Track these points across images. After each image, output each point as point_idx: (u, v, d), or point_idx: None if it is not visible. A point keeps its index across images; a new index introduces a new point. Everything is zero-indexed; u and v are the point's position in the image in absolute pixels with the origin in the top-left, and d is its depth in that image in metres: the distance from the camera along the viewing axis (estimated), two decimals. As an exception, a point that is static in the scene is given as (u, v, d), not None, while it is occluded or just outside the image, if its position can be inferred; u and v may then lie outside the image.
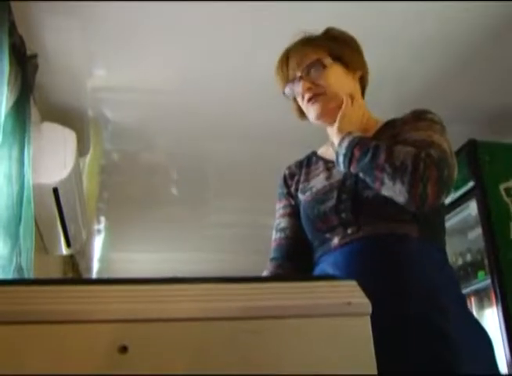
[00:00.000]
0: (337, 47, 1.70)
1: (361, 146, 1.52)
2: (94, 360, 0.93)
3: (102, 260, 6.67)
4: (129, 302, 0.98)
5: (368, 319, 1.01)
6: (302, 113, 1.77)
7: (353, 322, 1.00)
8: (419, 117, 1.64)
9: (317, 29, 1.75)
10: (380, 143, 1.52)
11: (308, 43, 1.71)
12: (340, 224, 1.57)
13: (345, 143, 1.55)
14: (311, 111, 1.67)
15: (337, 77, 1.68)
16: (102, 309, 0.96)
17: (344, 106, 1.63)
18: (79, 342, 0.93)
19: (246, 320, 0.98)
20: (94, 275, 6.89)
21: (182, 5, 2.72)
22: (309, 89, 1.65)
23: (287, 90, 1.72)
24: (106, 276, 6.91)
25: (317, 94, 1.65)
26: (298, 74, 1.67)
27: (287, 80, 1.71)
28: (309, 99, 1.66)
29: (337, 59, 1.68)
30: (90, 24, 2.86)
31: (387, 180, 1.44)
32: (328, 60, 1.67)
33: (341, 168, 1.57)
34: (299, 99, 1.71)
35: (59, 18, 2.73)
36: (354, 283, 1.08)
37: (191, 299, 0.99)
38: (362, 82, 1.76)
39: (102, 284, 1.07)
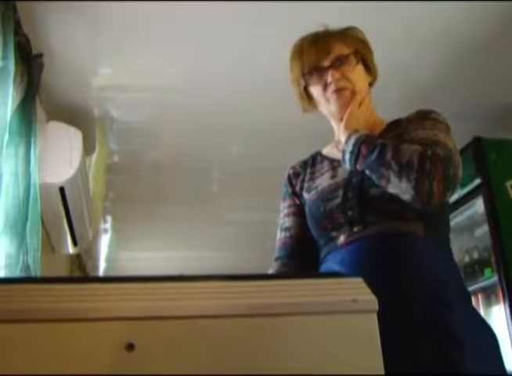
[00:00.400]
0: (361, 47, 1.72)
1: (368, 143, 1.53)
2: (101, 358, 0.93)
3: (108, 259, 6.68)
4: (135, 300, 0.98)
5: (374, 317, 1.01)
6: (309, 103, 1.76)
7: (359, 319, 1.00)
8: (424, 116, 1.64)
9: (319, 28, 1.75)
10: (387, 141, 1.52)
11: (337, 36, 1.70)
12: (347, 222, 1.57)
13: (352, 141, 1.56)
14: (335, 101, 1.65)
15: (362, 76, 1.70)
16: (109, 307, 0.96)
17: (352, 105, 1.63)
18: (86, 340, 0.93)
19: (252, 318, 0.98)
20: (101, 274, 6.90)
21: (188, 4, 2.72)
22: (339, 80, 1.64)
23: (305, 77, 1.69)
24: (112, 274, 6.92)
25: (344, 87, 1.65)
26: (326, 63, 1.65)
27: (309, 66, 1.68)
28: (337, 90, 1.65)
29: (361, 58, 1.70)
30: (95, 23, 2.86)
31: (393, 177, 1.44)
32: (359, 57, 1.69)
33: (347, 165, 1.57)
34: (317, 88, 1.68)
35: (65, 17, 2.74)
36: (360, 280, 1.08)
37: (196, 297, 0.99)
38: (370, 85, 1.77)
39: (109, 282, 1.07)
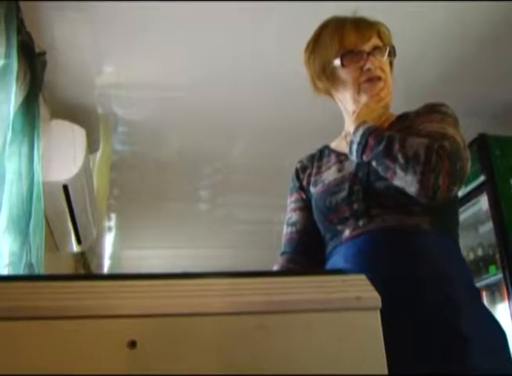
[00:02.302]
0: (392, 45, 1.70)
1: (376, 134, 1.51)
2: (103, 355, 0.93)
3: (113, 257, 6.69)
4: (138, 298, 0.98)
5: (377, 314, 1.00)
6: (327, 84, 1.72)
7: (362, 316, 1.00)
8: (432, 109, 1.63)
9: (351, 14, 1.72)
10: (395, 134, 1.51)
11: (375, 26, 1.68)
12: (352, 215, 1.56)
13: (360, 131, 1.55)
14: (369, 90, 1.62)
15: (389, 72, 1.69)
16: (111, 305, 0.96)
17: (373, 98, 1.62)
18: (88, 337, 0.93)
19: (255, 315, 0.98)
20: (105, 272, 6.90)
21: (191, 2, 2.72)
22: (376, 69, 1.62)
23: (344, 57, 1.63)
24: (117, 272, 6.92)
25: (380, 76, 1.63)
26: (366, 49, 1.63)
27: (349, 47, 1.64)
28: (373, 78, 1.62)
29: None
30: (99, 21, 2.86)
31: (399, 170, 1.43)
32: (391, 53, 1.68)
33: (354, 156, 1.56)
34: (352, 71, 1.64)
35: (68, 15, 2.74)
36: (363, 277, 1.08)
37: (199, 295, 0.99)
38: None
39: (111, 280, 1.07)
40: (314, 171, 1.76)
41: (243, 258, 6.15)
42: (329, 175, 1.68)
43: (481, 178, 3.52)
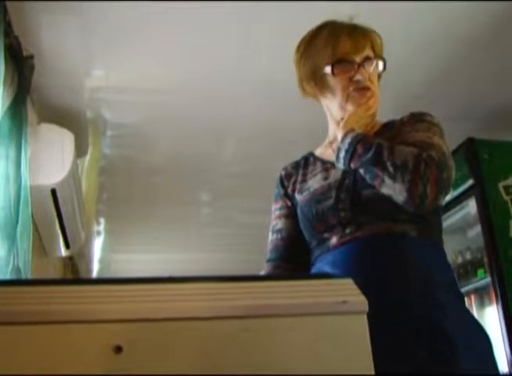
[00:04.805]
0: (383, 58, 1.70)
1: (364, 142, 1.52)
2: (89, 360, 0.92)
3: (102, 261, 6.67)
4: (124, 302, 0.97)
5: (364, 318, 1.00)
6: (315, 89, 1.71)
7: (349, 320, 1.00)
8: (417, 119, 1.64)
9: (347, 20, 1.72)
10: (383, 142, 1.52)
11: (369, 37, 1.69)
12: (339, 223, 1.56)
13: (348, 139, 1.55)
14: (357, 100, 1.62)
15: (377, 83, 1.69)
16: (97, 309, 0.95)
17: (361, 107, 1.62)
18: (73, 342, 0.93)
19: (241, 319, 0.98)
20: (94, 276, 6.88)
21: (181, 5, 2.71)
22: (366, 80, 1.63)
23: (335, 65, 1.63)
24: (105, 277, 6.90)
25: (369, 87, 1.64)
26: (358, 59, 1.63)
27: (341, 55, 1.64)
28: (362, 88, 1.62)
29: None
30: (87, 24, 2.85)
31: (387, 178, 1.44)
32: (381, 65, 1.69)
33: (341, 163, 1.56)
34: (342, 80, 1.64)
35: (56, 18, 2.72)
36: (350, 281, 1.08)
37: (185, 299, 0.99)
38: None
39: (97, 284, 1.06)
40: (299, 178, 1.75)
41: (233, 261, 6.15)
42: (315, 182, 1.68)
43: (470, 182, 3.53)
